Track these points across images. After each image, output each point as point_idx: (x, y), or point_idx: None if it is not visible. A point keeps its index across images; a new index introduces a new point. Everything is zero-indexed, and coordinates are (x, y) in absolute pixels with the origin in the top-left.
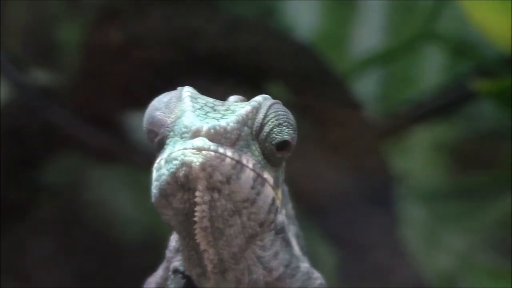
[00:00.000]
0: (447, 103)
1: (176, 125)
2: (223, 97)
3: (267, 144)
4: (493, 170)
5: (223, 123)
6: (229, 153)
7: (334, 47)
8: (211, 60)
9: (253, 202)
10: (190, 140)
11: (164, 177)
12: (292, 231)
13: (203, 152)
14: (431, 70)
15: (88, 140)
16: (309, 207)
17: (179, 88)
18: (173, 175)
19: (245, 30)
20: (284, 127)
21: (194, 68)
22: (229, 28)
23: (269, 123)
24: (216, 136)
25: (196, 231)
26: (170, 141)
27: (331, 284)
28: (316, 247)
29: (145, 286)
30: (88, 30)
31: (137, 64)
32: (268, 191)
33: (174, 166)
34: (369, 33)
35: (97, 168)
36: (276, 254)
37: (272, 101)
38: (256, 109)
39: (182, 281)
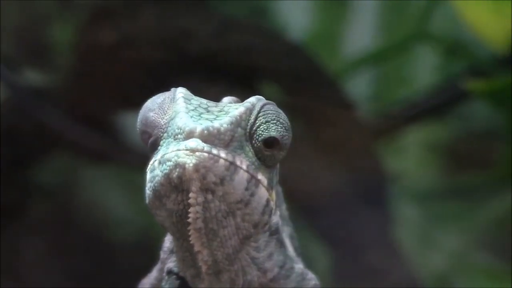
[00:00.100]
0: (440, 103)
1: (169, 126)
2: (216, 98)
3: (254, 141)
4: (487, 170)
5: (216, 124)
6: (222, 154)
7: (326, 47)
8: (204, 60)
9: (247, 203)
10: (184, 142)
11: (157, 178)
12: (286, 232)
13: (197, 153)
14: (424, 70)
15: (81, 141)
16: (303, 208)
17: (172, 89)
18: (167, 176)
19: (237, 30)
20: (271, 124)
21: (186, 68)
22: (221, 28)
23: (257, 121)
24: (210, 137)
25: (190, 232)
26: (164, 142)
27: (325, 285)
28: (310, 247)
29: (139, 287)
30: (80, 30)
31: (130, 64)
32: (262, 193)
33: (168, 168)
34: (361, 33)
35: (90, 168)
36: (270, 255)
37: (265, 102)
38: (249, 110)
39: (176, 282)
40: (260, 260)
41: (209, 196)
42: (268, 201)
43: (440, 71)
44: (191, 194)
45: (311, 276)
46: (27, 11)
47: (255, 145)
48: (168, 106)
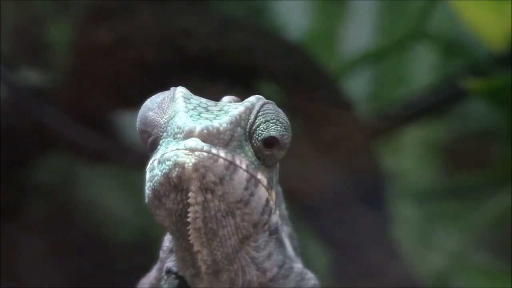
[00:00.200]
0: (438, 102)
1: (169, 126)
2: (216, 97)
3: (253, 141)
4: (485, 169)
5: (216, 123)
6: (222, 154)
7: (325, 46)
8: (203, 60)
9: (246, 203)
10: (183, 141)
11: (157, 178)
12: (285, 232)
13: (196, 153)
14: (422, 69)
15: (80, 140)
16: (302, 207)
17: (172, 89)
18: (166, 176)
19: (236, 30)
20: (271, 124)
21: (185, 68)
22: (220, 28)
23: (257, 121)
24: (209, 136)
25: (189, 232)
26: (163, 142)
27: (324, 284)
28: (309, 247)
29: (138, 286)
30: (79, 29)
31: (128, 64)
32: (262, 192)
33: (167, 167)
34: (360, 32)
35: (89, 168)
36: (270, 255)
37: (265, 101)
38: (249, 110)
39: (176, 282)
40: (260, 259)
41: (209, 196)
42: (267, 200)
43: (438, 70)
44: (190, 194)
45: (310, 275)
46: (26, 11)
47: (255, 144)
48: (168, 105)
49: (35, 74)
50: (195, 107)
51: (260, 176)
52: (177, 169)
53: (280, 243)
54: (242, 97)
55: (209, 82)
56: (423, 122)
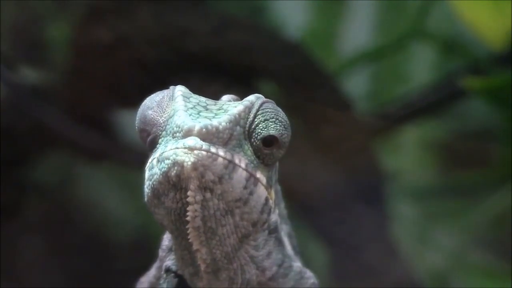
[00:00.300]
0: (437, 101)
1: (168, 124)
2: (215, 96)
3: (252, 140)
4: (484, 168)
5: (215, 122)
6: (221, 152)
7: (324, 45)
8: (202, 59)
9: (245, 202)
10: (182, 140)
11: (156, 177)
12: (284, 231)
13: (195, 151)
14: (421, 68)
15: (79, 139)
16: (301, 207)
17: (171, 87)
18: (165, 175)
19: (235, 29)
20: (270, 123)
21: (184, 67)
22: (219, 27)
23: (256, 120)
24: (208, 135)
25: (188, 231)
26: (162, 141)
27: (323, 283)
28: (308, 246)
29: (138, 285)
30: (78, 28)
31: (128, 63)
32: (261, 191)
33: (166, 166)
34: (359, 31)
35: (88, 167)
36: (269, 254)
37: (264, 100)
38: (248, 109)
39: (175, 281)
40: (259, 258)
41: (208, 195)
42: (267, 199)
43: (437, 69)
44: (189, 193)
45: (309, 274)
46: (25, 10)
47: (254, 143)
48: (167, 104)
49: (35, 73)
50: (194, 106)
51: (259, 175)
52: (176, 167)
53: (279, 242)
54: (241, 96)
55: (209, 81)
56: (422, 121)
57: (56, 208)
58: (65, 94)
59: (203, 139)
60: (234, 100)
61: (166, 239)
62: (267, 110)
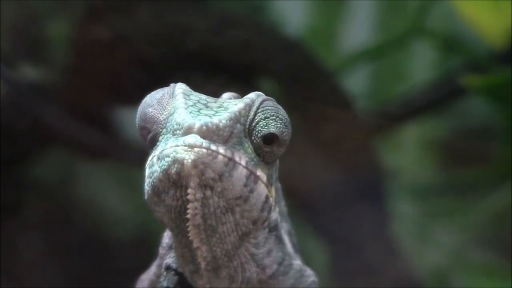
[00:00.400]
0: (437, 99)
1: (168, 122)
2: (216, 94)
3: (253, 138)
4: (484, 166)
5: (215, 120)
6: (221, 150)
7: (324, 43)
8: (202, 57)
9: (246, 199)
10: (182, 137)
11: (156, 174)
12: (284, 229)
13: (195, 149)
14: (421, 66)
15: (79, 137)
16: (300, 205)
17: (172, 85)
18: (165, 172)
19: (235, 27)
20: (271, 121)
21: (184, 65)
22: (219, 25)
23: (257, 117)
24: (208, 133)
25: (188, 229)
26: (163, 138)
27: (323, 281)
28: (308, 244)
29: (138, 283)
30: (77, 27)
31: (127, 61)
32: (261, 189)
33: (166, 163)
34: (359, 29)
35: (88, 165)
36: (269, 252)
37: (264, 98)
38: (249, 106)
39: (175, 278)
40: (259, 256)
41: (208, 192)
42: (267, 197)
43: (437, 67)
44: (189, 190)
45: (309, 272)
46: (25, 8)
47: (255, 141)
48: (167, 101)
49: (35, 71)
50: (194, 103)
51: (259, 172)
52: (176, 165)
53: (280, 240)
54: (242, 94)
55: (209, 79)
56: (422, 119)
57: (56, 207)
58: (65, 92)
59: (204, 137)
60: (235, 98)
61: (166, 237)
62: (267, 107)
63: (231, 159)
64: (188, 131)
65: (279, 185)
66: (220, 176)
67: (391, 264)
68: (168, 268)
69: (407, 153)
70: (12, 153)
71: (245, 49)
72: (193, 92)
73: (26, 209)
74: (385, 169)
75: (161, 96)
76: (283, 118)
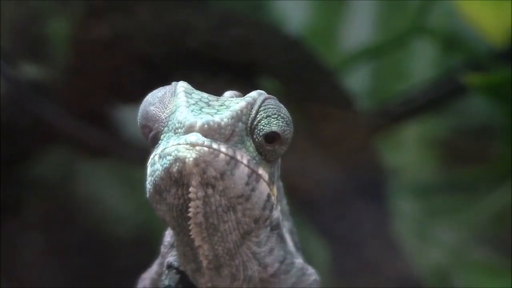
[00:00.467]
0: (438, 98)
1: (170, 120)
2: (218, 92)
3: (255, 136)
4: (485, 165)
5: (217, 118)
6: (223, 148)
7: (324, 41)
8: (202, 55)
9: (247, 198)
10: (184, 136)
11: (158, 173)
12: (286, 227)
13: (197, 147)
14: (422, 64)
15: (80, 135)
16: (301, 203)
17: (173, 83)
18: (167, 171)
19: (236, 25)
20: (272, 119)
21: (185, 63)
22: (220, 24)
23: (258, 116)
24: (210, 131)
25: (190, 227)
26: (164, 137)
27: (324, 280)
28: (309, 242)
29: (139, 282)
30: (78, 25)
31: (128, 60)
32: (263, 188)
33: (168, 162)
34: (359, 27)
35: (89, 163)
36: (271, 250)
37: (266, 96)
38: (250, 105)
39: (177, 277)
40: (261, 255)
41: (210, 191)
42: (269, 196)
43: (438, 65)
44: (191, 189)
45: (311, 271)
46: (25, 6)
47: (256, 139)
48: (169, 100)
49: (35, 69)
50: (196, 102)
51: (261, 171)
52: (177, 163)
53: (281, 239)
54: (244, 92)
55: (211, 77)
56: (423, 117)
57: (56, 206)
58: (65, 91)
59: (205, 135)
60: (237, 96)
61: (168, 235)
62: (269, 106)
63: (232, 158)
64: (189, 129)
65: (281, 183)
66: (222, 175)
67: (391, 263)
68: (169, 266)
69: (407, 152)
70: (12, 152)
71: (246, 48)
72: (194, 91)
73: (27, 208)
74: (386, 168)
75: (163, 95)
76: (285, 116)
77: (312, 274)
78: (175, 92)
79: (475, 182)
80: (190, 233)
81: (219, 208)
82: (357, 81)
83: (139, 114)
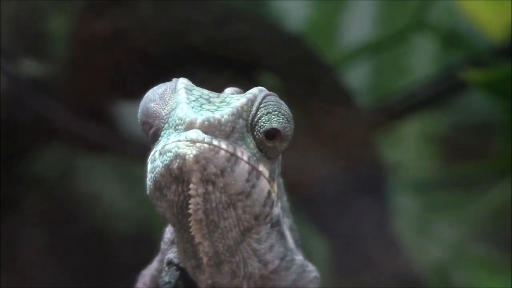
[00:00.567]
0: (438, 94)
1: (170, 117)
2: (219, 89)
3: (255, 133)
4: (485, 161)
5: (217, 115)
6: (223, 145)
7: (325, 37)
8: (203, 51)
9: (248, 195)
10: (184, 132)
11: (158, 169)
12: (286, 224)
13: (197, 144)
14: (422, 60)
15: (80, 132)
16: (301, 200)
17: (174, 80)
18: (167, 167)
19: (236, 21)
20: (273, 116)
21: (186, 59)
22: (221, 19)
23: (259, 113)
24: (210, 128)
25: (190, 224)
26: (165, 133)
27: (324, 276)
28: (309, 239)
29: (139, 278)
30: (78, 20)
31: (129, 55)
32: (264, 184)
33: (168, 158)
34: (360, 23)
35: (89, 159)
36: (271, 247)
37: (267, 93)
38: (251, 102)
39: (177, 273)
40: (261, 252)
41: (210, 188)
42: (269, 192)
43: (438, 61)
44: (191, 185)
45: (311, 268)
46: (25, 2)
47: (257, 136)
48: (169, 96)
49: (35, 65)
50: (197, 98)
51: (261, 168)
52: (178, 160)
53: (282, 236)
54: (244, 89)
55: (211, 74)
56: (423, 114)
57: (57, 201)
58: (66, 87)
59: (205, 132)
60: (237, 93)
61: (168, 232)
62: (269, 103)
63: (233, 154)
64: (190, 126)
65: (281, 180)
66: (222, 171)
67: (391, 259)
68: (170, 263)
69: (407, 148)
70: (12, 148)
71: (247, 44)
72: (195, 87)
73: (27, 205)
74: (386, 164)
75: (163, 91)
76: (285, 113)
77: (312, 271)
78: (175, 88)
79: (475, 178)
80: (191, 230)
81: (220, 205)
82: (358, 77)
83: (139, 110)
